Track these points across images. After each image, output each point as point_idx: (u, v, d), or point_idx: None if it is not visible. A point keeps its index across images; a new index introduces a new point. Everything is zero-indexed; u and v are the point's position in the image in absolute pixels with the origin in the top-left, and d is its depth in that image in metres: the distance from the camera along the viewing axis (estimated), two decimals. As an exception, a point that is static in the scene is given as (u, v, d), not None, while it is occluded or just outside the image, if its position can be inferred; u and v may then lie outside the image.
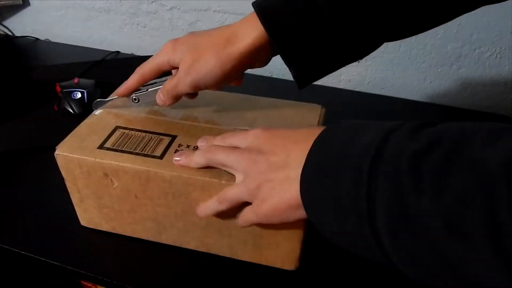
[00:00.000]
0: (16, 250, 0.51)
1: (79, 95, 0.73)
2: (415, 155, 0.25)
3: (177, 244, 0.50)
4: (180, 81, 0.45)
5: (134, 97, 0.50)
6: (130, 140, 0.46)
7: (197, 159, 0.42)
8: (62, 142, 0.47)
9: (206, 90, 0.55)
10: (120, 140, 0.46)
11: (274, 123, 0.50)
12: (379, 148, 0.27)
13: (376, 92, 0.85)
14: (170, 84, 0.46)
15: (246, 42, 0.42)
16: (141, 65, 0.48)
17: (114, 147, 0.45)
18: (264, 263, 0.48)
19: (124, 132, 0.47)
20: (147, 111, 0.51)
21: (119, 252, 0.51)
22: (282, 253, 0.46)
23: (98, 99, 0.52)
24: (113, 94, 0.54)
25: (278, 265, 0.48)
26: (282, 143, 0.37)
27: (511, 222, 0.20)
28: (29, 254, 0.51)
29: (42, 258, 0.50)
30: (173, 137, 0.47)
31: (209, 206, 0.42)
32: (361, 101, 0.82)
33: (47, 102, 0.76)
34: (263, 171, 0.37)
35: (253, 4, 0.42)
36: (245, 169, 0.38)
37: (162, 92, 0.47)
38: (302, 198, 0.33)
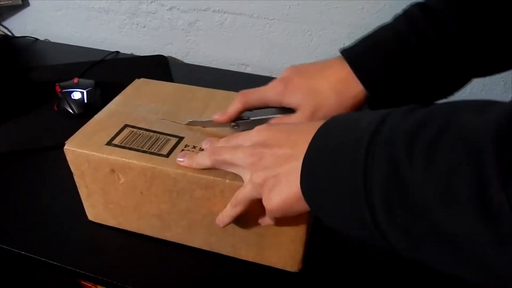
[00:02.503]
0: (16, 250, 0.51)
1: (78, 95, 0.73)
2: (409, 131, 0.26)
3: (182, 241, 0.50)
4: None
5: (234, 124, 0.48)
6: (137, 138, 0.47)
7: (201, 160, 0.42)
8: (71, 137, 0.48)
9: (216, 92, 0.55)
10: (128, 138, 0.47)
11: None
12: (376, 129, 0.28)
13: (376, 92, 0.85)
14: None
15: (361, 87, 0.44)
16: (245, 94, 0.47)
17: (121, 144, 0.46)
18: (267, 264, 0.48)
19: (133, 131, 0.48)
20: (155, 112, 0.51)
21: (119, 252, 0.51)
22: (285, 254, 0.46)
23: (192, 120, 0.49)
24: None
25: (280, 266, 0.48)
26: (287, 136, 0.37)
27: (497, 188, 0.21)
28: (29, 254, 0.51)
29: (42, 258, 0.50)
30: (180, 138, 0.47)
31: (225, 213, 0.43)
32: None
33: (47, 102, 0.76)
34: (269, 165, 0.37)
35: (342, 52, 0.45)
36: (251, 165, 0.38)
37: None
38: (301, 183, 0.33)
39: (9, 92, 0.81)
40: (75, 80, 0.76)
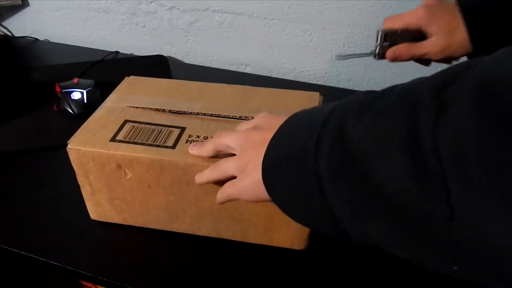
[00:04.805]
0: (16, 250, 0.51)
1: (78, 95, 0.73)
2: (365, 102, 0.27)
3: (189, 231, 0.51)
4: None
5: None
6: (141, 132, 0.48)
7: (207, 146, 0.43)
8: (73, 136, 0.48)
9: (208, 85, 0.56)
10: (131, 132, 0.48)
11: (276, 110, 0.51)
12: (336, 106, 0.29)
13: (376, 92, 0.85)
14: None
15: None
16: (389, 19, 0.54)
17: (126, 140, 0.47)
18: (275, 245, 0.49)
19: (134, 125, 0.49)
20: (152, 104, 0.52)
21: (119, 252, 0.51)
22: (292, 234, 0.48)
23: (340, 55, 0.55)
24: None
25: (287, 245, 0.49)
26: (281, 121, 0.37)
27: (428, 133, 0.21)
28: (29, 254, 0.51)
29: (42, 258, 0.50)
30: (183, 129, 0.48)
31: (204, 173, 0.43)
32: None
33: (47, 102, 0.76)
34: (256, 146, 0.37)
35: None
36: (241, 145, 0.39)
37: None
38: (262, 164, 0.34)
39: (9, 92, 0.81)
40: (75, 80, 0.76)
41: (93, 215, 0.54)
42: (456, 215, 0.21)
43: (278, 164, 0.32)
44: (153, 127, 0.48)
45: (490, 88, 0.20)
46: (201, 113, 0.50)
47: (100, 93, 0.76)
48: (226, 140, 0.41)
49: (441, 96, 0.22)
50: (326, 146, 0.27)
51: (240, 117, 0.49)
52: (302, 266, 0.49)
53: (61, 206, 0.57)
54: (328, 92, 0.83)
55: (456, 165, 0.20)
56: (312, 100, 0.53)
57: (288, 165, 0.31)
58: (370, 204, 0.25)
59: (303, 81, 0.88)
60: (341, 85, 0.88)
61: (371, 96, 0.27)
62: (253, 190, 0.37)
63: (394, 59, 0.54)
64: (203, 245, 0.51)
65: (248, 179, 0.37)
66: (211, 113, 0.50)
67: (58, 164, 0.63)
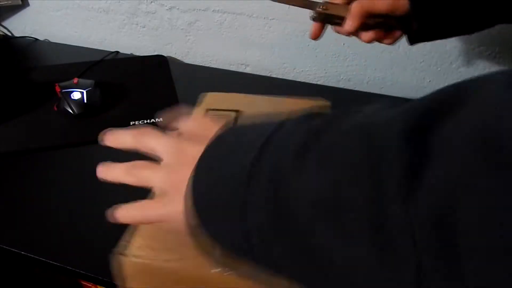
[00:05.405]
0: (16, 250, 0.51)
1: (78, 95, 0.73)
2: (309, 133, 0.21)
3: None
4: None
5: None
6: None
7: (124, 135, 0.33)
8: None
9: (279, 99, 0.55)
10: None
11: None
12: (265, 141, 0.24)
13: (376, 92, 0.85)
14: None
15: None
16: None
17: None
18: None
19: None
20: None
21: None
22: None
23: None
24: None
25: None
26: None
27: (395, 199, 0.16)
28: (29, 254, 0.51)
29: (42, 258, 0.50)
30: None
31: (115, 170, 0.32)
32: (360, 100, 0.82)
33: (47, 102, 0.75)
34: (190, 163, 0.28)
35: None
36: (171, 156, 0.31)
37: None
38: (192, 189, 0.27)
39: (9, 92, 0.81)
40: (75, 80, 0.76)
41: None
42: None
43: (209, 194, 0.26)
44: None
45: (497, 140, 0.15)
46: None
47: (100, 93, 0.75)
48: (153, 142, 0.32)
49: (417, 145, 0.16)
50: (257, 193, 0.22)
51: None
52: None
53: (61, 206, 0.57)
54: (328, 92, 0.84)
55: (441, 241, 0.15)
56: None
57: (215, 183, 0.25)
58: (315, 272, 0.20)
59: (303, 81, 0.88)
60: (341, 85, 0.88)
61: (317, 123, 0.22)
62: (186, 218, 0.28)
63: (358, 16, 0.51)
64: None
65: (184, 202, 0.28)
66: None
67: (58, 164, 0.63)
